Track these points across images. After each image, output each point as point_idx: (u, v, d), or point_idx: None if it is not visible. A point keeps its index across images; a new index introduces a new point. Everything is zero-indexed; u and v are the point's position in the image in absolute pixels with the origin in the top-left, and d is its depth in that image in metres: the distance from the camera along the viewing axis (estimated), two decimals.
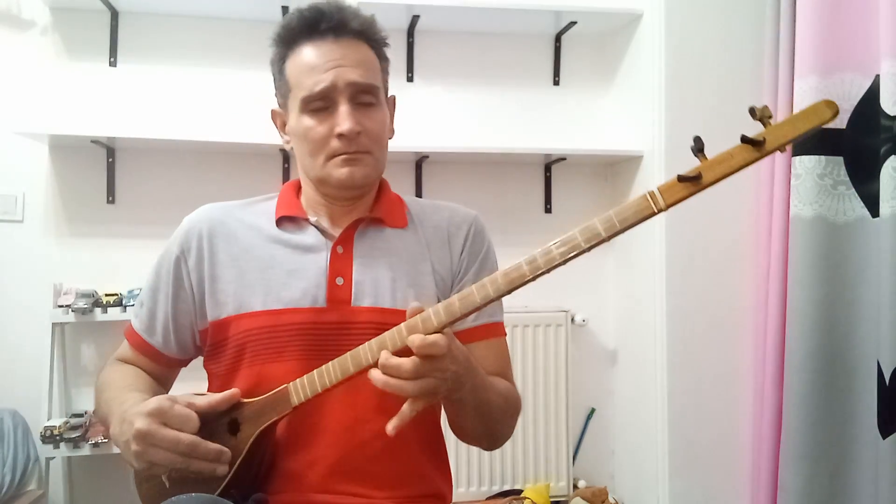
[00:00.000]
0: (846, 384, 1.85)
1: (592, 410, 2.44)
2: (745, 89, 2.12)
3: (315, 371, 0.85)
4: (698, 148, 0.73)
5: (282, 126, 1.04)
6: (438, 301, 0.99)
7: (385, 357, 0.78)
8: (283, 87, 1.00)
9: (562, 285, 2.40)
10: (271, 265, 0.99)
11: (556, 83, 2.45)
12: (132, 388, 0.96)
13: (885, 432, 1.70)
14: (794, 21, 1.95)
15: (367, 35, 0.99)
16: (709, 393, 2.11)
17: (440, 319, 0.79)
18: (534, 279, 0.77)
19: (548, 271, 0.76)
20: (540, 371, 2.25)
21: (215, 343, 1.00)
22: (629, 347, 2.36)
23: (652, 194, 0.73)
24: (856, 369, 1.84)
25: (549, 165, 2.42)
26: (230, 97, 2.23)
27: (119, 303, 2.05)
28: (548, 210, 2.43)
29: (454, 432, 1.00)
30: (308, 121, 0.96)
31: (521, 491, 2.22)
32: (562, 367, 2.27)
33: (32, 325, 2.08)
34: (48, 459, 2.02)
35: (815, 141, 1.87)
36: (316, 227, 1.02)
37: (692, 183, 0.72)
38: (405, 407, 0.79)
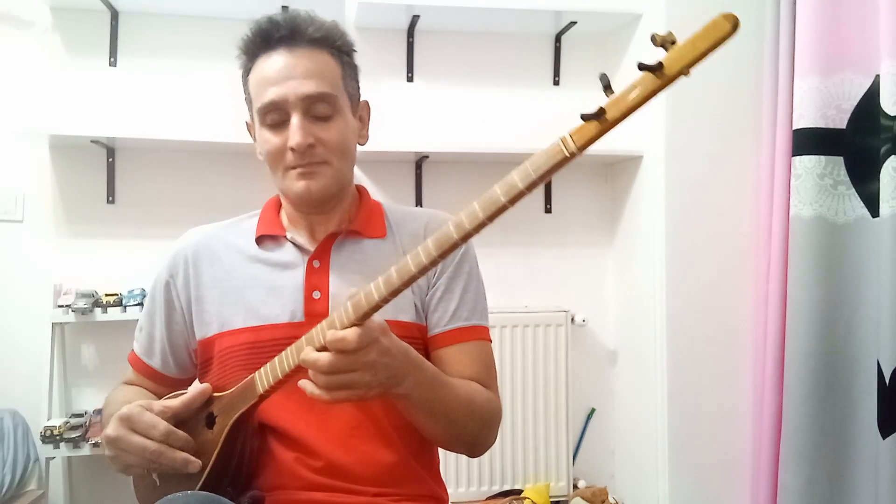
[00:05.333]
0: (846, 384, 1.85)
1: (592, 410, 2.44)
2: (745, 89, 2.12)
3: (276, 357, 0.86)
4: (605, 85, 0.68)
5: (254, 137, 1.05)
6: (416, 309, 1.00)
7: (305, 353, 0.78)
8: (248, 100, 1.02)
9: (562, 285, 2.41)
10: (251, 284, 1.01)
11: (556, 83, 2.45)
12: (131, 402, 0.98)
13: (885, 432, 1.70)
14: (794, 21, 1.95)
15: (326, 42, 0.97)
16: (709, 393, 2.11)
17: (380, 293, 0.76)
18: (463, 241, 0.73)
19: (475, 231, 0.73)
20: (540, 371, 2.25)
21: (203, 361, 1.04)
22: (629, 347, 2.36)
23: (563, 140, 0.70)
24: (856, 369, 1.84)
25: None
26: (230, 97, 2.22)
27: (119, 303, 2.04)
28: (548, 210, 2.43)
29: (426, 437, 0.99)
30: (266, 134, 0.97)
31: (521, 491, 2.22)
32: (562, 367, 2.27)
33: (32, 325, 2.08)
34: (48, 459, 2.02)
35: (816, 141, 1.88)
36: (293, 242, 1.03)
37: (598, 121, 0.67)
38: (320, 392, 0.78)
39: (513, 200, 0.72)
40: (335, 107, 0.97)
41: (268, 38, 0.96)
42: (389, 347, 0.80)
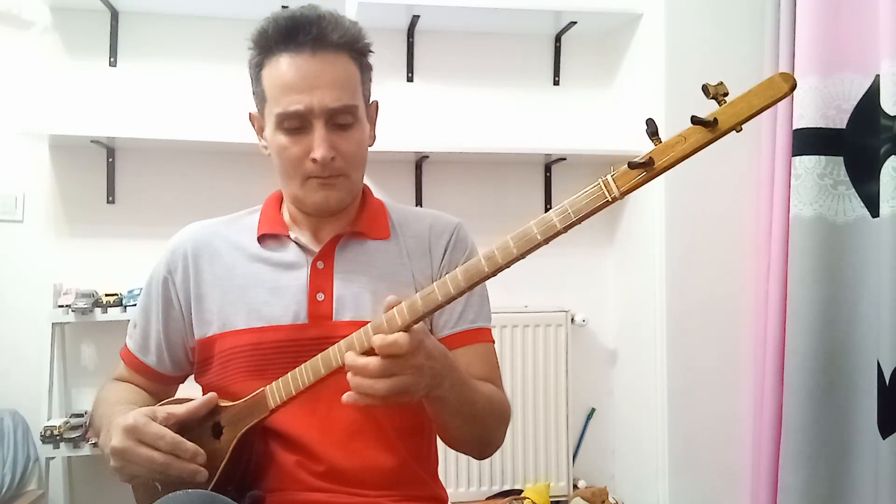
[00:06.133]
0: (846, 384, 1.85)
1: (592, 410, 2.44)
2: (745, 89, 2.11)
3: (289, 374, 0.86)
4: (651, 131, 0.69)
5: (259, 130, 1.04)
6: None
7: (351, 358, 0.78)
8: (259, 95, 0.99)
9: (562, 285, 2.40)
10: (253, 284, 1.00)
11: (556, 83, 2.45)
12: (125, 401, 0.98)
13: (885, 432, 1.70)
14: (794, 21, 1.95)
15: (348, 46, 0.95)
16: (709, 393, 2.11)
17: (404, 319, 0.78)
18: (493, 274, 0.75)
19: (506, 266, 0.74)
20: (540, 371, 2.25)
21: (202, 360, 1.02)
22: (629, 347, 2.36)
23: (605, 182, 0.70)
24: (856, 369, 1.84)
25: (549, 165, 2.42)
26: (230, 97, 2.22)
27: (119, 303, 2.04)
28: (547, 209, 2.42)
29: (442, 439, 0.99)
30: (283, 139, 0.94)
31: (521, 491, 2.22)
32: (562, 367, 2.27)
33: (32, 325, 2.08)
34: (48, 459, 2.02)
35: (816, 141, 1.88)
36: (296, 243, 1.02)
37: (645, 169, 0.68)
38: (357, 398, 0.78)
39: (548, 239, 0.74)
40: (356, 116, 0.96)
41: (291, 36, 0.93)
42: (432, 350, 0.81)
